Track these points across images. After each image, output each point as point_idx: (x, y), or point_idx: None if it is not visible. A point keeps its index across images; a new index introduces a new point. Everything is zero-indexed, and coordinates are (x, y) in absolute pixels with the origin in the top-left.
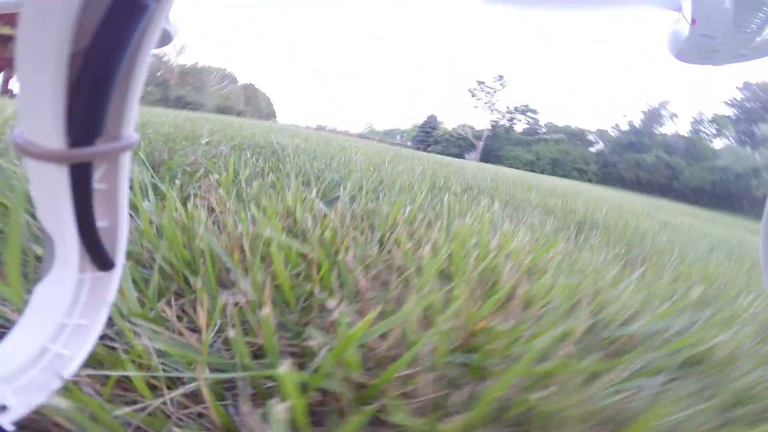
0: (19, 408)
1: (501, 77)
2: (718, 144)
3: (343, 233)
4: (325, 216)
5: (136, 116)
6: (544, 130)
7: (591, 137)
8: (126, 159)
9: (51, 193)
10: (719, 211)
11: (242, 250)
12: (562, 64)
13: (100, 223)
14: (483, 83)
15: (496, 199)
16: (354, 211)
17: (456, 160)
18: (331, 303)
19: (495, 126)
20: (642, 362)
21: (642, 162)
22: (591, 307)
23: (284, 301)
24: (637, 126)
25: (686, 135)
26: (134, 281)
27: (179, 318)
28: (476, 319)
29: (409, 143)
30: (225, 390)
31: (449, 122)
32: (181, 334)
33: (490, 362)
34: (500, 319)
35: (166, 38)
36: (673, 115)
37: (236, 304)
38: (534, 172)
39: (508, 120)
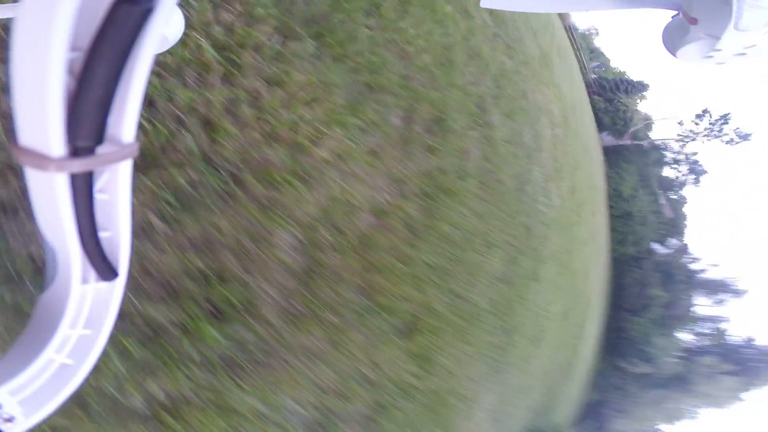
0: (26, 420)
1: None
2: None
3: None
4: None
5: (136, 123)
6: None
7: None
8: (127, 167)
9: (52, 203)
10: None
11: None
12: None
13: (103, 233)
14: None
15: None
16: None
17: None
18: None
19: None
20: None
21: None
22: None
23: None
24: None
25: None
26: None
27: None
28: None
29: None
30: None
31: None
32: None
33: None
34: None
35: (165, 43)
36: None
37: None
38: None
39: None
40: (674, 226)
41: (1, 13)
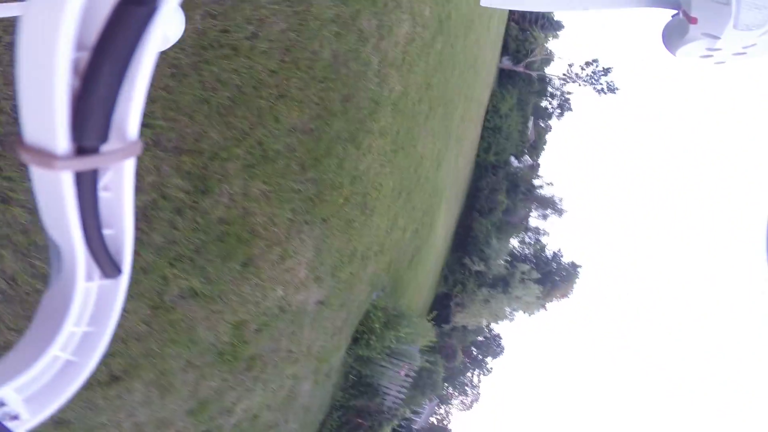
0: (32, 418)
1: None
2: None
3: None
4: None
5: (140, 122)
6: None
7: None
8: (131, 165)
9: (56, 201)
10: None
11: None
12: None
13: (106, 230)
14: None
15: None
16: None
17: None
18: None
19: None
20: None
21: None
22: None
23: None
24: None
25: None
26: None
27: None
28: None
29: None
30: None
31: None
32: None
33: None
34: None
35: (166, 42)
36: None
37: None
38: None
39: None
40: (534, 147)
41: (7, 12)
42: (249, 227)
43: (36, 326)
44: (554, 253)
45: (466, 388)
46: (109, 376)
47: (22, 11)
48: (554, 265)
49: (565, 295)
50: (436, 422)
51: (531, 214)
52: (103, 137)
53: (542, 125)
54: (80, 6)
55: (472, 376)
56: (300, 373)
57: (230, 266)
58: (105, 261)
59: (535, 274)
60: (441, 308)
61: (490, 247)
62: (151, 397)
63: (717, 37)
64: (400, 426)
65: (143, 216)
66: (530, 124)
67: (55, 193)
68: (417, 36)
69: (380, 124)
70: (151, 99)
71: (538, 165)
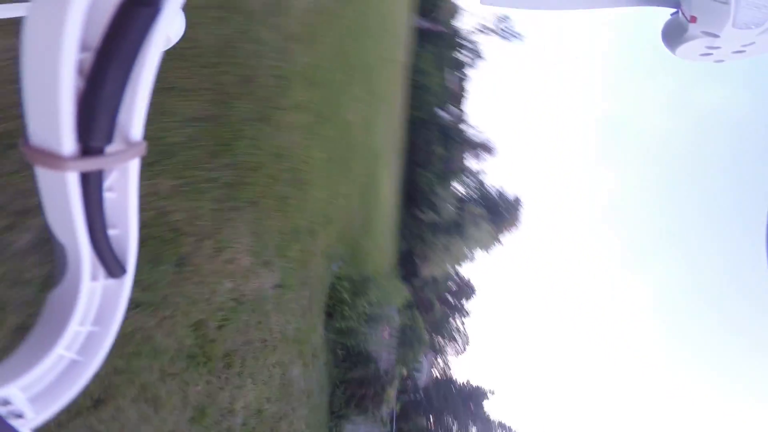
0: (36, 416)
1: None
2: None
3: None
4: None
5: (144, 123)
6: None
7: None
8: (136, 166)
9: (62, 201)
10: None
11: None
12: None
13: (111, 230)
14: None
15: None
16: None
17: None
18: None
19: None
20: None
21: None
22: None
23: None
24: None
25: None
26: None
27: None
28: None
29: None
30: None
31: None
32: None
33: None
34: None
35: (167, 43)
36: None
37: None
38: None
39: None
40: (457, 97)
41: (11, 13)
42: (170, 226)
43: (41, 326)
44: (498, 191)
45: (453, 334)
46: (92, 401)
47: (26, 12)
48: (500, 201)
49: (514, 226)
50: (439, 375)
51: (466, 157)
52: (108, 138)
53: (461, 76)
54: (85, 6)
55: (455, 323)
56: (284, 360)
57: (163, 269)
58: (110, 261)
59: (485, 213)
60: (407, 265)
61: (437, 196)
62: (147, 413)
63: (716, 36)
64: (405, 386)
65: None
66: (451, 77)
67: (61, 193)
68: (322, 7)
69: (294, 99)
70: None
71: (465, 113)
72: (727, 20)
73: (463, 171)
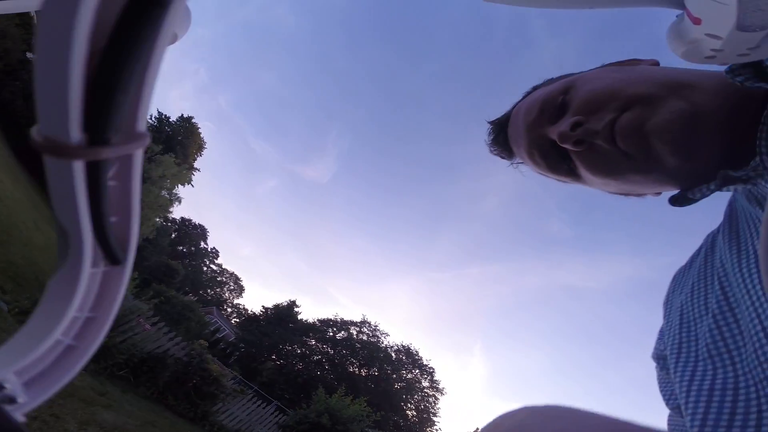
0: (30, 401)
1: None
2: None
3: None
4: None
5: (148, 114)
6: None
7: None
8: (140, 156)
9: (68, 189)
10: None
11: None
12: None
13: (113, 218)
14: None
15: None
16: None
17: None
18: None
19: None
20: None
21: None
22: None
23: None
24: None
25: None
26: None
27: None
28: None
29: None
30: None
31: None
32: None
33: None
34: None
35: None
36: None
37: None
38: None
39: None
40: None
41: (26, 7)
42: None
43: (41, 311)
44: (161, 118)
45: (218, 279)
46: None
47: (40, 5)
48: (168, 128)
49: (200, 148)
50: (239, 320)
51: None
52: (114, 129)
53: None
54: (96, 1)
55: (210, 267)
56: None
57: None
58: (110, 248)
59: (157, 147)
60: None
61: None
62: None
63: (720, 38)
64: (225, 353)
65: None
66: None
67: (67, 181)
68: None
69: None
70: None
71: None
72: (731, 23)
73: None
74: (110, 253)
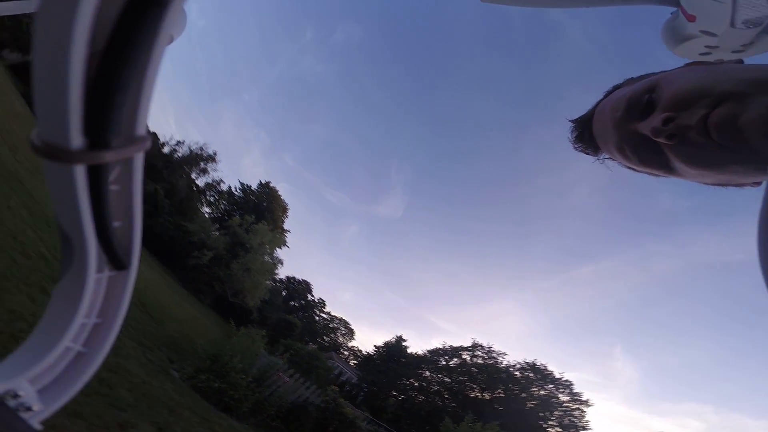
0: (45, 409)
1: None
2: None
3: None
4: None
5: (148, 117)
6: None
7: None
8: (140, 160)
9: (69, 194)
10: None
11: None
12: None
13: (116, 222)
14: None
15: None
16: None
17: None
18: None
19: None
20: None
21: None
22: None
23: None
24: None
25: None
26: None
27: None
28: None
29: None
30: None
31: None
32: None
33: None
34: None
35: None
36: None
37: None
38: None
39: None
40: None
41: (22, 9)
42: None
43: (48, 318)
44: (245, 189)
45: (329, 326)
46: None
47: (36, 7)
48: (253, 198)
49: (285, 210)
50: (356, 362)
51: (190, 174)
52: (115, 132)
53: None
54: (95, 2)
55: (320, 316)
56: None
57: None
58: (114, 253)
59: (250, 218)
60: (228, 311)
61: (192, 233)
62: None
63: (715, 35)
64: (351, 394)
65: None
66: None
67: (68, 186)
68: None
69: None
70: None
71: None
72: (725, 20)
73: (197, 190)
74: (115, 258)
